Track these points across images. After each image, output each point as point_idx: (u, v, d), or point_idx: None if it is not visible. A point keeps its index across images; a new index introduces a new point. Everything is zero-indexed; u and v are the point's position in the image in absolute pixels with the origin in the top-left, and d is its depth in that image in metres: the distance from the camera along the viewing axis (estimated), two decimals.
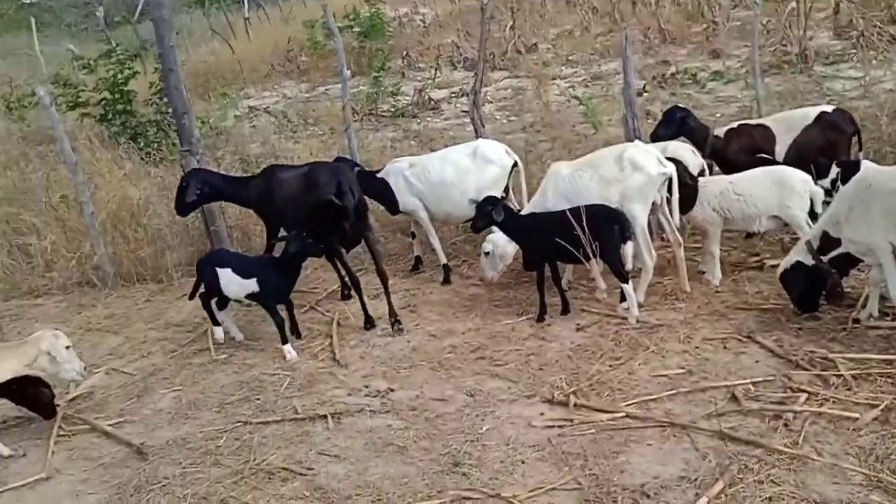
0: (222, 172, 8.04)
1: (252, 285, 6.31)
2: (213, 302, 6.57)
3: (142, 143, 11.76)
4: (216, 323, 6.57)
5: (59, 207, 9.28)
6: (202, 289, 6.59)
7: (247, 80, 17.62)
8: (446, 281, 7.37)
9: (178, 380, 6.25)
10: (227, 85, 16.89)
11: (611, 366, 5.47)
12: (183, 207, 7.47)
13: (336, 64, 17.31)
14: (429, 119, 12.97)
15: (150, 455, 5.21)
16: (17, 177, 10.94)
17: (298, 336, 6.60)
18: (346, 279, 7.02)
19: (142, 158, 11.12)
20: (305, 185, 6.74)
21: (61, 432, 5.64)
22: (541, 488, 4.28)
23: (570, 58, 14.96)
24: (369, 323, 6.67)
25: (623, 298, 6.14)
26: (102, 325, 7.44)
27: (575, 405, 5.01)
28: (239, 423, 5.45)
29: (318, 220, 6.55)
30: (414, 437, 4.99)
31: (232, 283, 6.35)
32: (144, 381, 6.30)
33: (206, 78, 17.91)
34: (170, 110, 12.11)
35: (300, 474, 4.78)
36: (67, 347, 5.62)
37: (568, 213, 6.03)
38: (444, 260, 7.43)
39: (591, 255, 5.94)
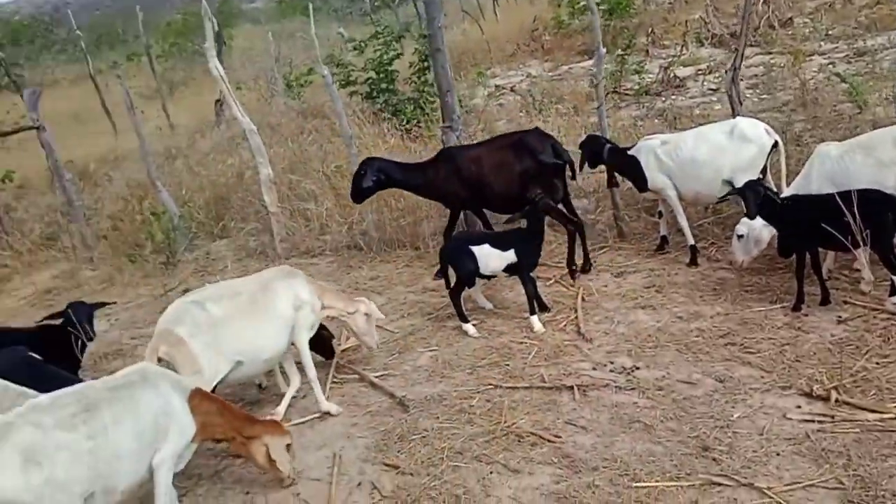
0: (397, 161, 8.21)
1: (511, 256, 6.46)
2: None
3: (402, 120, 12.31)
4: (465, 320, 6.55)
5: (334, 177, 9.96)
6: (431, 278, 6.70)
7: (494, 59, 17.88)
8: (693, 262, 7.10)
9: (434, 340, 6.55)
10: (476, 64, 17.24)
11: (878, 363, 5.02)
12: (358, 194, 7.78)
13: (581, 43, 17.26)
14: (674, 97, 12.49)
15: (411, 408, 5.52)
16: (296, 148, 11.86)
17: (545, 309, 6.67)
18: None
19: (402, 134, 11.66)
20: (515, 155, 7.20)
21: (334, 379, 6.13)
22: (798, 483, 4.07)
23: (830, 32, 13.77)
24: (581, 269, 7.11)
25: (893, 292, 5.62)
26: (368, 285, 7.94)
27: (837, 401, 4.68)
28: (490, 386, 5.63)
29: (532, 184, 7.06)
30: (661, 416, 4.90)
31: (491, 257, 6.48)
32: (405, 339, 6.67)
33: (458, 58, 18.40)
34: (426, 89, 12.69)
35: (548, 441, 4.86)
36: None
37: (837, 196, 5.58)
38: (691, 241, 7.15)
39: (860, 242, 5.48)
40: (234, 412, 4.68)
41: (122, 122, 18.17)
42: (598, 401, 5.24)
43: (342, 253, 8.97)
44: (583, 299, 6.77)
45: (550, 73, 15.78)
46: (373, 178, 7.67)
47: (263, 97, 17.53)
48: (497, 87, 15.10)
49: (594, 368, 5.68)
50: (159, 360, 5.01)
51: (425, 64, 12.55)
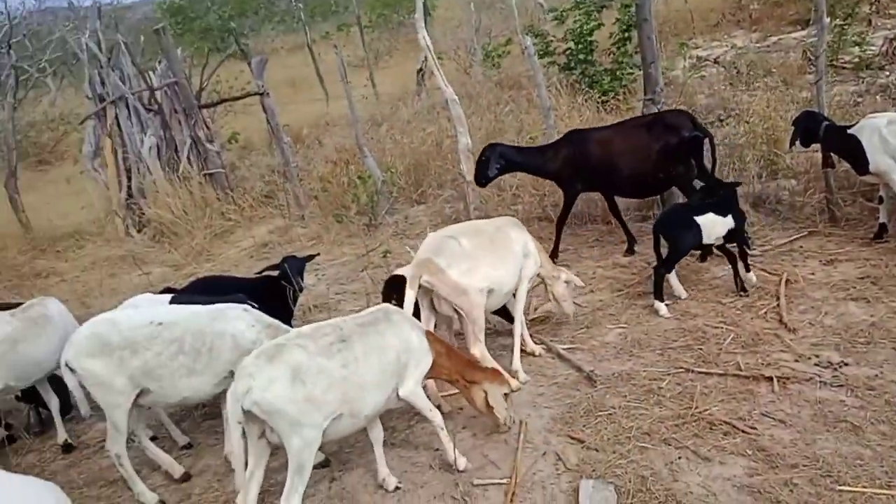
0: (516, 145, 8.29)
1: (730, 222, 6.32)
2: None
3: (597, 92, 12.00)
4: (661, 298, 6.30)
5: None
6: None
7: (696, 29, 16.99)
8: None
9: (623, 318, 6.37)
10: (677, 35, 16.46)
11: None
12: (483, 179, 7.94)
13: (793, 12, 16.00)
14: None
15: (598, 383, 5.41)
16: (493, 118, 11.90)
17: (743, 290, 6.30)
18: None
19: (597, 106, 11.36)
20: (653, 134, 7.23)
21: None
22: None
23: None
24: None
25: None
26: (558, 258, 7.82)
27: None
28: (681, 370, 5.39)
29: (671, 162, 7.08)
30: (871, 418, 4.48)
31: (716, 225, 6.31)
32: (593, 314, 6.53)
33: (659, 28, 17.64)
34: (625, 60, 12.28)
35: (742, 431, 4.59)
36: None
37: None
38: None
39: None
40: (459, 356, 4.93)
41: (332, 90, 19.04)
42: (799, 395, 4.88)
43: (533, 224, 8.88)
44: (786, 286, 6.31)
45: (758, 45, 14.78)
46: (496, 165, 7.86)
47: (462, 67, 17.68)
48: (699, 58, 14.35)
49: (796, 360, 5.28)
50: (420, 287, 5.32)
51: (626, 34, 12.13)
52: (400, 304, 5.17)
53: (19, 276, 9.96)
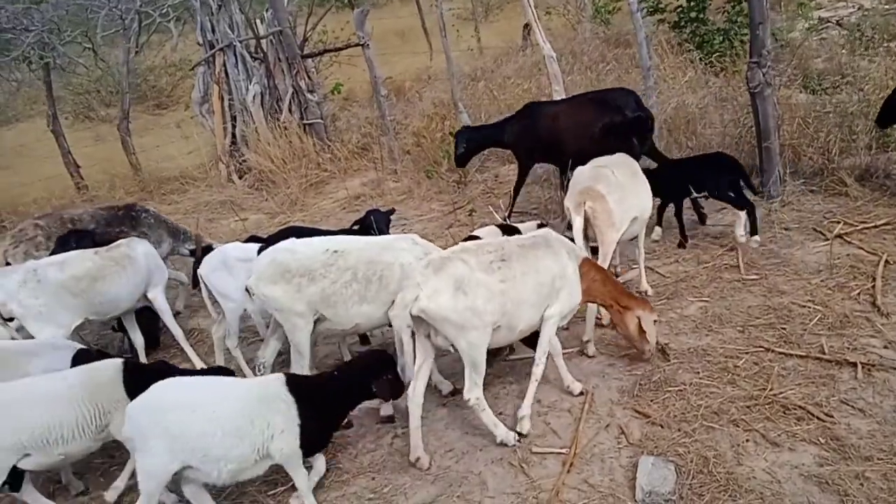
0: (479, 124, 9.00)
1: None
2: None
3: (706, 52, 11.45)
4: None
5: None
6: None
7: None
8: None
9: (706, 291, 6.15)
10: None
11: None
12: (457, 160, 8.65)
13: None
14: None
15: (672, 357, 5.28)
16: (594, 77, 11.56)
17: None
18: None
19: (704, 67, 10.86)
20: (597, 112, 7.39)
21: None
22: None
23: None
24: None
25: None
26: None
27: None
28: (760, 349, 5.19)
29: (613, 139, 7.10)
30: None
31: None
32: (675, 285, 6.33)
33: None
34: (740, 20, 11.64)
35: (817, 418, 4.40)
36: None
37: None
38: None
39: None
40: (615, 283, 5.13)
41: (438, 43, 18.90)
42: (884, 384, 4.62)
43: None
44: (885, 267, 5.93)
45: (887, 6, 13.71)
46: (462, 145, 8.41)
47: (570, 23, 17.21)
48: (820, 19, 13.45)
49: (885, 347, 5.00)
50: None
51: None
52: None
53: None
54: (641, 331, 5.04)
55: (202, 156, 12.77)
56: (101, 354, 5.17)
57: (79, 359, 4.99)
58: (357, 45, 12.14)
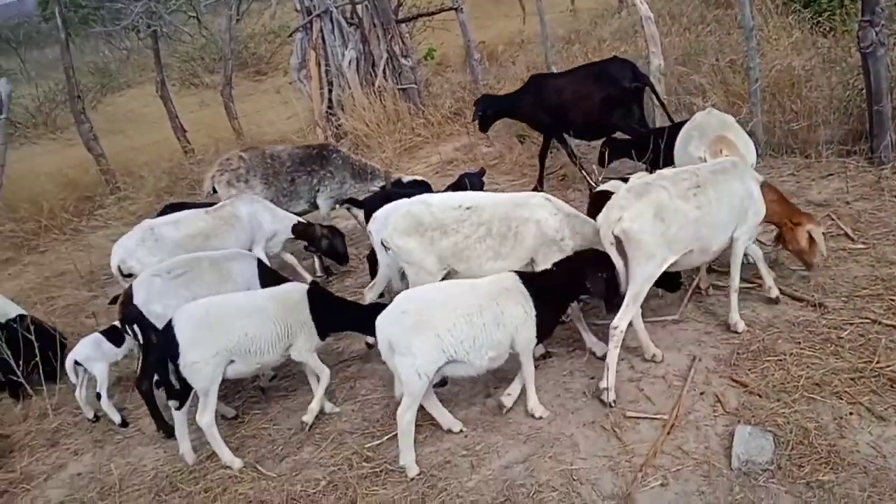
0: (498, 94, 9.48)
1: None
2: None
3: (813, 12, 10.86)
4: None
5: (726, 71, 9.23)
6: None
7: None
8: None
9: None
10: None
11: None
12: (479, 125, 8.97)
13: None
14: None
15: (772, 327, 5.11)
16: (693, 39, 11.16)
17: None
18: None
19: (811, 28, 10.31)
20: (597, 83, 7.79)
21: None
22: None
23: None
24: None
25: None
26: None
27: None
28: (867, 320, 4.95)
29: (611, 109, 7.68)
30: None
31: None
32: (777, 254, 6.06)
33: None
34: None
35: None
36: None
37: None
38: None
39: None
40: (788, 202, 5.39)
41: (531, 6, 18.59)
42: None
43: None
44: None
45: None
46: (479, 111, 8.75)
47: None
48: None
49: None
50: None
51: None
52: None
53: None
54: (812, 244, 5.22)
55: (300, 120, 13.01)
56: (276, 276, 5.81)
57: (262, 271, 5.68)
58: (450, 9, 12.11)
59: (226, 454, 4.77)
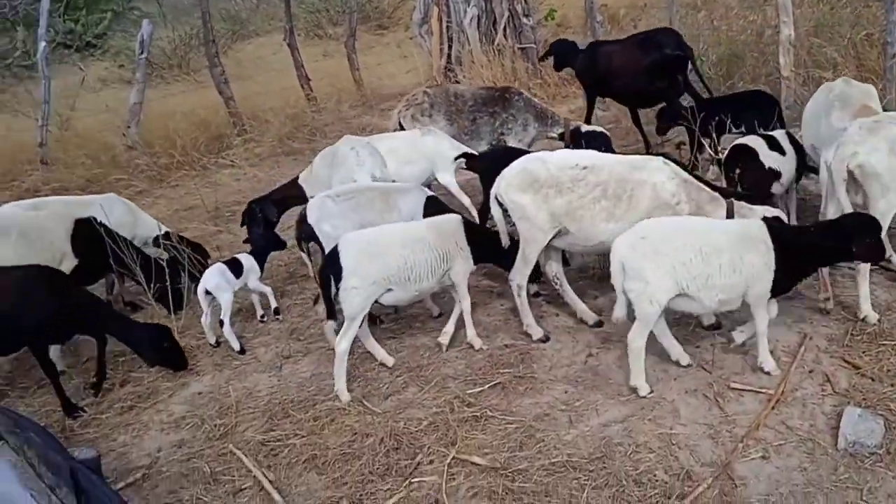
0: (572, 42, 9.64)
1: None
2: None
3: None
4: None
5: (861, 46, 8.70)
6: None
7: None
8: None
9: None
10: None
11: None
12: (555, 66, 9.60)
13: None
14: None
15: (885, 310, 4.90)
16: (826, 10, 10.54)
17: None
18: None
19: None
20: (643, 51, 8.06)
21: None
22: None
23: None
24: None
25: None
26: None
27: None
28: None
29: (655, 77, 7.96)
30: None
31: None
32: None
33: None
34: None
35: None
36: None
37: None
38: None
39: None
40: None
41: None
42: None
43: None
44: None
45: None
46: (551, 54, 9.49)
47: None
48: None
49: None
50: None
51: None
52: (744, 173, 5.84)
53: (349, 129, 10.96)
54: None
55: (419, 75, 13.06)
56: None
57: (428, 204, 5.89)
58: None
59: (341, 385, 4.98)
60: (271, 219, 6.90)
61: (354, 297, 4.85)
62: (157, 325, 5.57)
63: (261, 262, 6.22)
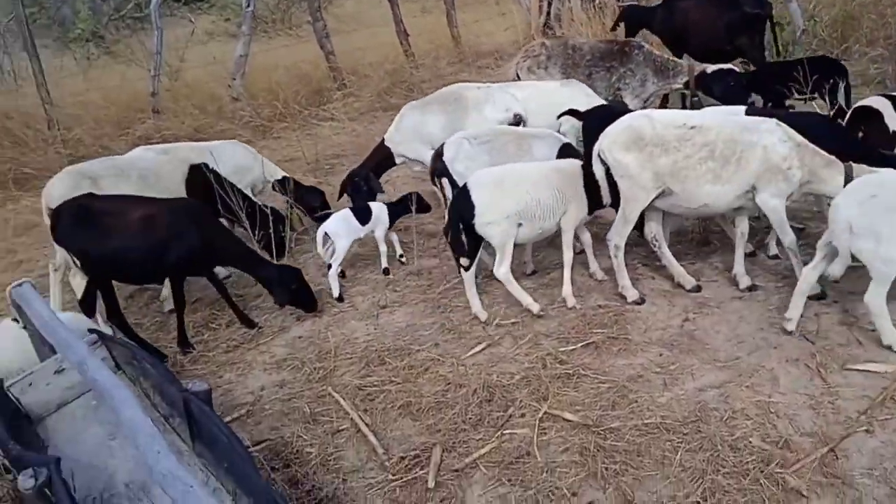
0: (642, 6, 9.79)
1: None
2: None
3: None
4: None
5: None
6: None
7: None
8: None
9: None
10: None
11: None
12: (626, 32, 9.25)
13: None
14: None
15: None
16: None
17: None
18: None
19: None
20: (720, 8, 8.02)
21: None
22: None
23: None
24: None
25: None
26: None
27: None
28: None
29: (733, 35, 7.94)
30: None
31: None
32: None
33: None
34: None
35: None
36: None
37: None
38: None
39: None
40: None
41: None
42: None
43: None
44: None
45: None
46: (622, 21, 9.42)
47: None
48: None
49: None
50: None
51: None
52: (867, 135, 5.64)
53: (446, 85, 10.93)
54: None
55: (517, 32, 12.90)
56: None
57: (562, 152, 5.88)
58: None
59: (526, 298, 5.22)
60: (378, 191, 6.99)
61: (493, 230, 5.06)
62: (289, 267, 5.74)
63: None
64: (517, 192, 5.06)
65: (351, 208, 6.22)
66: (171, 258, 5.26)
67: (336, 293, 5.93)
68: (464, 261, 5.26)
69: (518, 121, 6.72)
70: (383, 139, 7.15)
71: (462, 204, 5.09)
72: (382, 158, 7.10)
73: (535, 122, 6.78)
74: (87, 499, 3.56)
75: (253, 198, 6.74)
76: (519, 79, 7.87)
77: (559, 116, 6.69)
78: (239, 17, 13.73)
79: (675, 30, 8.64)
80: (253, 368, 5.26)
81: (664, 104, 8.25)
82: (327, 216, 6.21)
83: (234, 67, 11.58)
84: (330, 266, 5.94)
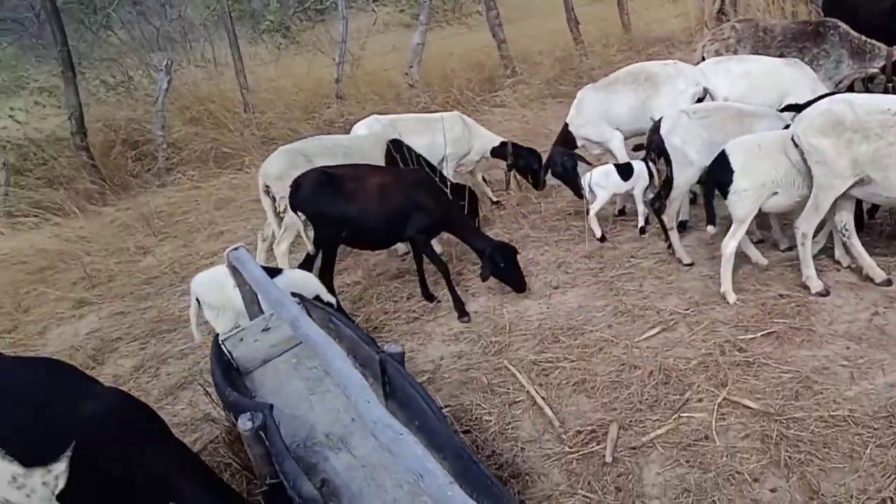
0: None
1: None
2: None
3: None
4: None
5: None
6: None
7: None
8: None
9: None
10: None
11: None
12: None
13: None
14: None
15: None
16: None
17: None
18: None
19: None
20: None
21: None
22: None
23: None
24: None
25: None
26: None
27: None
28: None
29: None
30: None
31: None
32: None
33: None
34: None
35: None
36: None
37: None
38: None
39: None
40: None
41: None
42: None
43: None
44: None
45: None
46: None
47: None
48: None
49: None
50: None
51: None
52: None
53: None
54: None
55: (689, 20, 12.49)
56: None
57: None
58: None
59: (727, 285, 5.16)
60: (574, 170, 6.99)
61: (745, 199, 4.99)
62: (505, 244, 5.79)
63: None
64: (776, 160, 4.94)
65: (615, 164, 6.56)
66: (415, 224, 5.63)
67: (598, 234, 6.43)
68: (710, 228, 5.35)
69: (705, 95, 6.57)
70: (566, 123, 7.19)
71: (721, 169, 5.05)
72: (569, 141, 7.15)
73: (753, 98, 6.42)
74: (292, 444, 3.91)
75: (443, 172, 6.95)
76: (703, 58, 7.58)
77: (781, 110, 6.44)
78: (413, 7, 14.14)
79: (842, 9, 7.99)
80: (432, 339, 5.50)
81: (850, 89, 7.72)
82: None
83: (411, 56, 11.97)
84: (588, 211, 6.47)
